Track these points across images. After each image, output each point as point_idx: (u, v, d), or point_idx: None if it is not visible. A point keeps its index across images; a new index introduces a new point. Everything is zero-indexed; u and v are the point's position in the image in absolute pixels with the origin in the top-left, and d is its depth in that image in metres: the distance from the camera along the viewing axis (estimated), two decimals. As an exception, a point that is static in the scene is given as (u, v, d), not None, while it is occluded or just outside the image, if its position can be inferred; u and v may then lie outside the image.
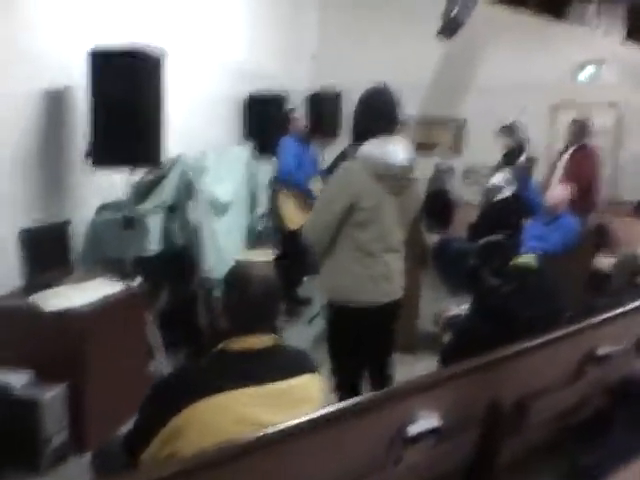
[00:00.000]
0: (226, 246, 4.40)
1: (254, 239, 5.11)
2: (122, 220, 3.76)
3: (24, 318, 3.15)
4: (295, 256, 4.95)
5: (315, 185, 5.49)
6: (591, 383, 2.22)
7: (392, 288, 2.96)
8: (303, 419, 1.48)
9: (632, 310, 2.47)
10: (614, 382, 2.40)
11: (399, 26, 7.89)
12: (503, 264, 3.46)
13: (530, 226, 5.50)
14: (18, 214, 3.49)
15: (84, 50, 3.57)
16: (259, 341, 1.78)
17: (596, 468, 1.93)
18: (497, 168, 6.28)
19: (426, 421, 1.65)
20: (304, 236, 2.91)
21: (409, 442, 1.62)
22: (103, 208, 3.99)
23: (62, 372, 3.07)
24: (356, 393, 2.92)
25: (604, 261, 5.02)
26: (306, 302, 5.65)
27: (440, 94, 8.04)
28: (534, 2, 8.39)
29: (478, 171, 7.72)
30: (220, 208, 4.51)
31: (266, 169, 5.91)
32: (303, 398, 1.77)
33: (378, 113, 2.86)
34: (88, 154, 3.64)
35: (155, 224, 3.90)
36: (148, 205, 3.94)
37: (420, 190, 3.77)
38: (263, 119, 6.10)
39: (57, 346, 3.09)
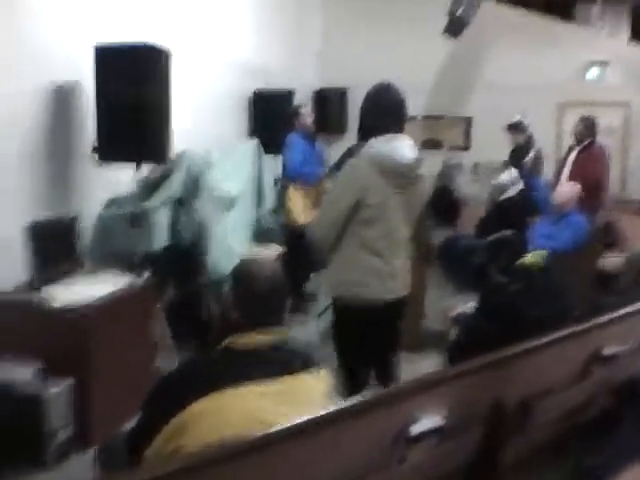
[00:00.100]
0: (233, 242, 4.41)
1: (261, 235, 5.12)
2: (130, 216, 3.77)
3: (31, 312, 3.16)
4: (302, 252, 4.94)
5: (323, 182, 5.48)
6: (597, 383, 2.21)
7: (397, 285, 2.96)
8: (307, 417, 1.47)
9: (638, 310, 2.46)
10: (620, 382, 2.39)
11: (405, 24, 7.89)
12: (511, 262, 3.45)
13: (538, 224, 5.47)
14: (25, 209, 3.51)
15: (91, 46, 3.58)
16: (265, 337, 1.78)
17: (601, 468, 1.92)
18: (506, 165, 6.27)
19: (429, 420, 1.65)
20: (312, 232, 2.91)
21: (412, 441, 1.61)
22: (111, 203, 4.00)
23: (68, 367, 3.07)
24: (363, 389, 2.92)
25: (609, 262, 4.99)
26: (312, 298, 5.65)
27: (447, 92, 8.03)
28: (540, 2, 8.40)
29: (486, 168, 7.71)
30: (226, 204, 4.51)
31: (272, 166, 5.92)
32: (309, 394, 1.77)
33: (385, 110, 2.86)
34: (95, 150, 3.65)
35: (162, 220, 3.91)
36: (155, 201, 3.95)
37: (427, 187, 3.77)
38: (269, 116, 6.10)
39: (64, 341, 3.10)
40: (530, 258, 3.37)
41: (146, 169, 4.05)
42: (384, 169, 2.76)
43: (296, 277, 5.20)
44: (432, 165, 7.20)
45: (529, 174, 5.82)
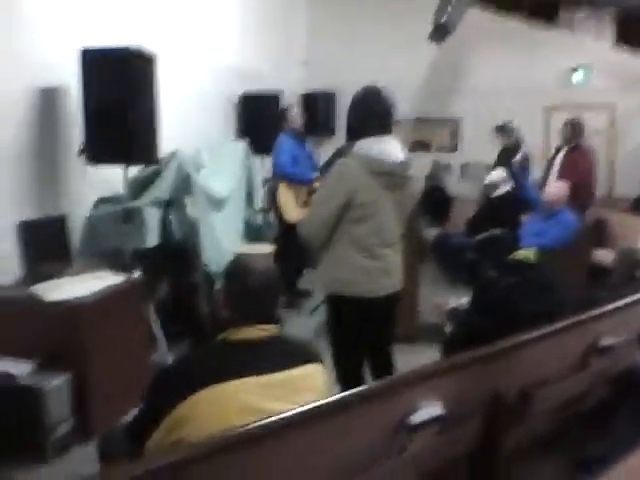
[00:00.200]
0: (224, 240, 4.40)
1: (252, 233, 5.11)
2: (121, 213, 3.74)
3: (26, 308, 3.15)
4: (295, 249, 4.94)
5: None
6: (594, 374, 2.22)
7: (391, 282, 2.96)
8: (307, 407, 1.47)
9: (633, 303, 2.48)
10: (617, 373, 2.40)
11: (391, 28, 7.95)
12: (501, 258, 3.46)
13: (528, 223, 5.51)
14: (14, 211, 3.48)
15: (78, 49, 3.56)
16: (260, 332, 1.77)
17: (600, 457, 1.92)
18: (494, 166, 6.32)
19: (429, 409, 1.65)
20: (301, 232, 2.90)
21: (413, 430, 1.61)
22: (101, 202, 3.98)
23: (64, 362, 3.06)
24: (358, 383, 2.91)
25: (603, 255, 5.04)
26: (306, 294, 5.65)
27: (435, 95, 8.12)
28: (524, 8, 8.49)
29: (475, 168, 7.78)
30: (217, 202, 4.50)
31: (261, 166, 5.92)
32: (305, 388, 1.76)
33: (372, 112, 2.87)
34: (81, 152, 3.63)
35: (153, 218, 3.89)
36: (145, 199, 3.92)
37: (417, 187, 3.78)
38: (257, 117, 6.10)
39: (59, 336, 3.09)
40: (521, 254, 3.38)
41: (136, 169, 4.03)
42: (374, 169, 2.76)
43: (289, 274, 5.20)
44: (421, 166, 7.26)
45: (518, 174, 5.87)
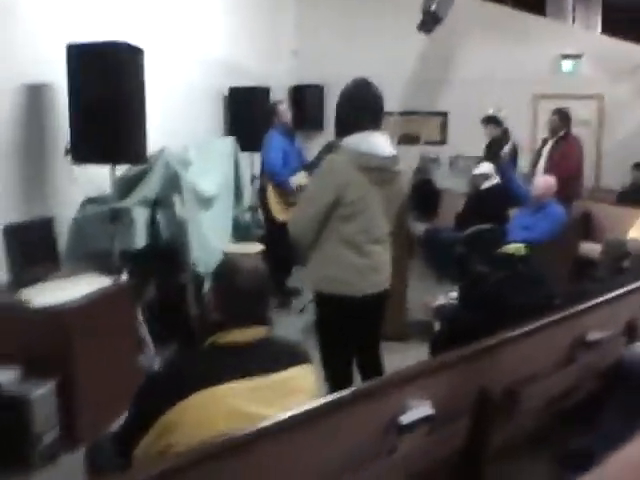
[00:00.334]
0: (212, 239, 4.37)
1: (240, 231, 5.09)
2: (108, 213, 3.70)
3: (12, 314, 3.11)
4: (283, 247, 4.93)
5: (300, 179, 5.47)
6: (582, 368, 2.24)
7: (380, 279, 2.95)
8: (298, 411, 1.47)
9: (620, 296, 2.49)
10: (604, 367, 2.42)
11: (379, 20, 7.93)
12: (490, 252, 3.48)
13: (517, 216, 5.53)
14: (1, 211, 3.44)
15: (63, 44, 3.52)
16: (250, 334, 1.76)
17: (587, 451, 1.94)
18: (484, 158, 6.32)
19: (419, 410, 1.66)
20: (290, 230, 2.89)
21: (403, 431, 1.62)
22: (87, 202, 3.94)
23: (51, 368, 3.02)
24: (347, 383, 2.91)
25: (590, 248, 5.05)
26: (295, 293, 5.64)
27: (423, 87, 8.09)
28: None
29: (463, 161, 7.79)
30: (205, 201, 4.48)
31: (250, 162, 5.90)
32: (296, 390, 1.76)
33: (362, 107, 2.84)
34: (67, 151, 3.59)
35: (141, 217, 3.86)
36: (133, 199, 3.89)
37: (405, 181, 3.78)
38: (245, 112, 6.05)
39: (45, 342, 3.05)
40: (511, 248, 3.40)
41: (123, 168, 3.99)
42: (363, 165, 2.74)
43: (277, 273, 5.19)
44: (410, 159, 7.26)
45: (506, 166, 5.88)
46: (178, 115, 5.16)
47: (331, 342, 2.98)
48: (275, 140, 5.46)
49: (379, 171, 2.79)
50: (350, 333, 2.96)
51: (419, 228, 6.39)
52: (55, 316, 3.08)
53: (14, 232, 3.35)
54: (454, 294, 3.55)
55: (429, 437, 1.70)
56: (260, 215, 5.63)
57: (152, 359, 3.84)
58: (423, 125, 8.35)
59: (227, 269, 1.86)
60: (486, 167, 5.92)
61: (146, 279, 4.18)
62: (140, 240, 3.82)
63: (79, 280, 3.44)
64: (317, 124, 7.90)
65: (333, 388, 2.80)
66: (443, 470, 1.86)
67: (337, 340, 2.96)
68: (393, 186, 2.93)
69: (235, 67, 6.32)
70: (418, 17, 6.89)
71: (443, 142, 8.32)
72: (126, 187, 3.96)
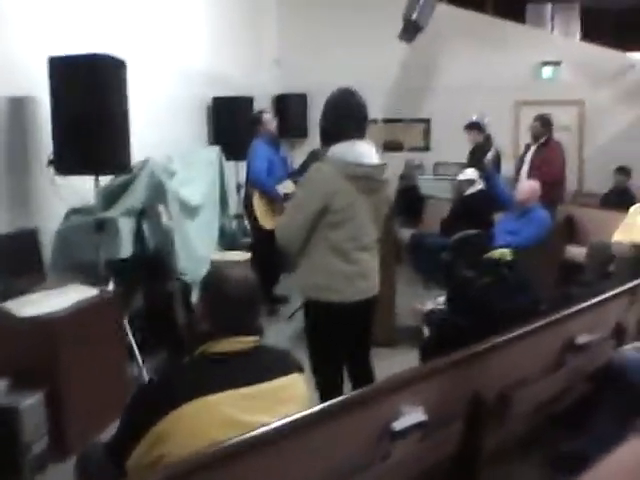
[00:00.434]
0: (199, 248, 4.36)
1: (227, 239, 5.08)
2: (93, 223, 3.68)
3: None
4: (271, 255, 4.92)
5: (286, 187, 5.46)
6: (572, 371, 2.25)
7: (368, 285, 2.95)
8: (290, 419, 1.46)
9: (607, 299, 2.51)
10: (594, 370, 2.43)
11: (361, 30, 7.99)
12: (476, 258, 3.49)
13: (502, 221, 5.56)
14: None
15: (46, 57, 3.50)
16: (240, 343, 1.75)
17: (579, 455, 1.94)
18: (468, 164, 6.37)
19: (412, 416, 1.65)
20: (277, 237, 2.89)
21: (396, 437, 1.61)
22: (72, 213, 3.91)
23: (39, 378, 3.00)
24: (337, 390, 2.90)
25: (575, 251, 5.09)
26: (283, 300, 5.63)
27: (405, 94, 8.16)
28: (491, 4, 8.61)
29: (447, 167, 7.84)
30: (191, 210, 4.46)
31: (235, 171, 5.88)
32: (287, 399, 1.74)
33: (346, 116, 2.85)
34: (50, 162, 3.56)
35: (126, 227, 3.83)
36: (118, 209, 3.87)
37: (390, 188, 3.79)
38: (229, 121, 6.05)
39: (33, 352, 3.03)
40: (497, 253, 3.42)
41: (106, 178, 3.97)
42: (349, 174, 2.75)
43: (265, 281, 5.16)
44: (394, 166, 7.28)
45: (490, 172, 5.91)
46: (162, 126, 5.14)
47: (321, 349, 2.97)
48: (260, 149, 5.45)
49: (366, 179, 2.80)
50: (339, 340, 2.95)
51: (405, 234, 6.41)
52: (42, 326, 3.05)
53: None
54: (442, 299, 3.56)
55: (422, 443, 1.70)
56: (246, 223, 5.61)
57: (140, 369, 3.81)
58: (406, 132, 8.42)
59: (216, 278, 1.84)
60: (470, 173, 5.96)
61: (133, 288, 4.15)
62: (126, 250, 3.79)
63: (65, 291, 3.41)
64: (301, 132, 7.94)
65: (323, 395, 2.80)
66: (437, 475, 1.86)
67: (327, 347, 2.96)
68: (380, 194, 2.93)
69: (218, 77, 6.32)
70: (399, 26, 6.94)
71: (426, 149, 8.40)
72: (110, 197, 3.94)
